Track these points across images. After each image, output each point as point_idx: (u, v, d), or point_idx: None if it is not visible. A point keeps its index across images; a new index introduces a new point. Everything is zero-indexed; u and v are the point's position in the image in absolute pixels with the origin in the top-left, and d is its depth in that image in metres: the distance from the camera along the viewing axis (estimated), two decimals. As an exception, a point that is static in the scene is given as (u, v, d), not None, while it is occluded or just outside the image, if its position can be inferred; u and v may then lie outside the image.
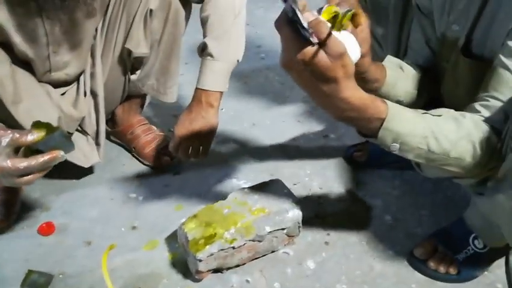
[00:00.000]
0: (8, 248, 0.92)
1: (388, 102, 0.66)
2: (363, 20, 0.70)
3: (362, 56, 0.69)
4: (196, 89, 1.00)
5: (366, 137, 0.70)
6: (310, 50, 0.57)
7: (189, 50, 1.64)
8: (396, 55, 0.94)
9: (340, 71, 0.59)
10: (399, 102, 0.84)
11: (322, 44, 0.57)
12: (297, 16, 0.56)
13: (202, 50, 0.98)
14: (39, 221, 0.98)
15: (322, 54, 0.57)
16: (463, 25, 0.78)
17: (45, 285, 0.84)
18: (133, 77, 1.07)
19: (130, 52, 0.99)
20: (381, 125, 0.65)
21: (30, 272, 0.86)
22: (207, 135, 1.01)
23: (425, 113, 0.70)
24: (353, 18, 0.68)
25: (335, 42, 0.57)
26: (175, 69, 1.08)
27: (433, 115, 0.70)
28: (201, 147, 1.02)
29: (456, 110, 0.75)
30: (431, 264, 0.89)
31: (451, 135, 0.68)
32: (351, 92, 0.61)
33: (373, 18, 0.96)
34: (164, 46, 1.02)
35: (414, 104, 0.90)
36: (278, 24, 0.58)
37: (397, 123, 0.66)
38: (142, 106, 1.20)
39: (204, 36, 0.98)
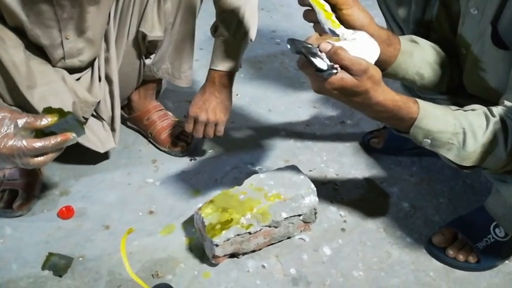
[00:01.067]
0: (28, 231, 0.94)
1: (419, 101, 0.70)
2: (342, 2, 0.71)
3: (350, 7, 0.71)
4: (210, 69, 1.00)
5: (399, 133, 0.74)
6: (335, 79, 0.63)
7: (204, 35, 1.63)
8: None
9: (368, 83, 0.64)
10: (419, 73, 0.84)
11: (344, 68, 0.62)
12: (311, 61, 0.63)
13: (215, 30, 0.98)
14: (59, 205, 0.99)
15: (347, 77, 0.63)
16: (482, 10, 0.75)
17: (65, 267, 0.86)
18: (147, 61, 1.07)
19: (144, 36, 0.99)
20: (413, 123, 0.69)
21: (50, 254, 0.88)
22: (220, 115, 1.02)
23: (457, 109, 0.72)
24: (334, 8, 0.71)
25: (356, 62, 0.63)
26: (190, 52, 1.07)
27: (465, 110, 0.72)
28: (216, 127, 1.03)
29: (481, 97, 0.74)
30: (450, 252, 0.88)
31: (480, 131, 0.70)
32: (383, 97, 0.66)
33: (395, 0, 0.93)
34: (178, 29, 1.01)
35: (437, 84, 0.88)
36: (300, 66, 0.65)
37: (427, 121, 0.69)
38: (158, 92, 1.20)
39: (217, 15, 0.97)
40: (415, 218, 0.99)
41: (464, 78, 0.85)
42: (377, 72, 0.65)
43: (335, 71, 0.63)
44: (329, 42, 0.64)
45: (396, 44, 0.80)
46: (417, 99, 0.70)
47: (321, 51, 0.64)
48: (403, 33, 0.99)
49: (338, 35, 0.70)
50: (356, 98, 0.66)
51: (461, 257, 0.87)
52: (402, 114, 0.69)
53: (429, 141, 0.71)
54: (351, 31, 0.70)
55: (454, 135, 0.70)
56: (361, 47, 0.67)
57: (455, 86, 0.90)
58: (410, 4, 0.92)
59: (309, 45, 0.64)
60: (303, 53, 0.63)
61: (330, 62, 0.63)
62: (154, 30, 0.98)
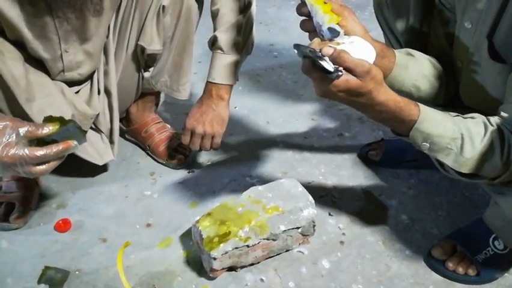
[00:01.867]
0: (24, 244, 0.93)
1: (420, 105, 0.71)
2: None
3: (344, 18, 0.73)
4: (207, 82, 1.01)
5: (399, 136, 0.74)
6: (341, 81, 0.64)
7: (202, 49, 1.64)
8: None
9: (371, 83, 0.66)
10: (416, 86, 0.85)
11: (348, 70, 0.64)
12: (319, 63, 0.64)
13: (213, 44, 0.99)
14: (56, 217, 0.98)
15: (352, 78, 0.65)
16: (476, 24, 0.76)
17: (61, 281, 0.85)
18: (146, 74, 1.07)
19: (143, 49, 1.00)
20: (413, 125, 0.70)
21: (46, 268, 0.87)
22: (217, 127, 1.02)
23: (457, 115, 0.73)
24: None
25: (359, 64, 0.64)
26: (188, 65, 1.08)
27: (465, 117, 0.73)
28: (213, 139, 1.03)
29: (478, 110, 0.75)
30: (450, 265, 0.87)
31: (478, 138, 0.71)
32: (385, 97, 0.68)
33: (393, 13, 0.94)
34: (177, 42, 1.02)
35: (434, 96, 0.88)
36: (305, 70, 0.66)
37: (427, 125, 0.70)
38: (156, 105, 1.20)
39: (215, 29, 0.99)
40: (414, 231, 0.99)
41: (461, 90, 0.86)
42: (379, 73, 0.66)
43: (340, 73, 0.64)
44: (330, 46, 0.65)
45: (390, 57, 0.81)
46: (419, 103, 0.71)
47: (324, 56, 0.65)
48: (401, 46, 1.00)
49: (338, 32, 0.71)
50: (360, 99, 0.67)
51: (460, 270, 0.87)
52: (403, 115, 0.70)
53: (427, 145, 0.71)
54: (346, 36, 0.72)
55: (453, 141, 0.70)
56: (359, 49, 0.68)
57: (452, 98, 0.91)
58: (408, 17, 0.93)
59: (314, 50, 0.65)
60: (310, 56, 0.64)
61: (334, 64, 0.64)
62: (153, 44, 0.99)
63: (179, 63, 1.06)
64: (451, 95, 0.90)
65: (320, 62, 0.63)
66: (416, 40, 0.94)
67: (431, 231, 0.98)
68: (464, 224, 0.94)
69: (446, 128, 0.71)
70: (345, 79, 0.64)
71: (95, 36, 0.92)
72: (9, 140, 0.68)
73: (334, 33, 0.71)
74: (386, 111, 0.69)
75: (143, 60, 1.03)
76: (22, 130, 0.69)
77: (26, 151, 0.68)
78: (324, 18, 0.71)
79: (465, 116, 0.73)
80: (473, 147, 0.70)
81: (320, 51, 0.65)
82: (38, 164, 0.70)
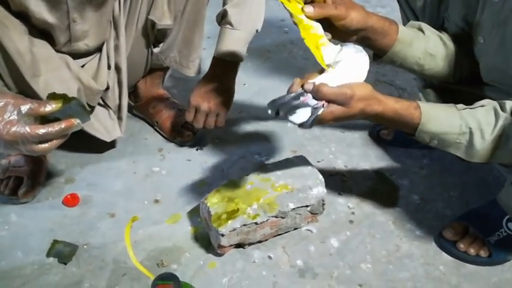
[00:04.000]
0: (33, 218, 0.93)
1: (422, 106, 0.71)
2: None
3: (344, 18, 0.72)
4: (214, 57, 0.98)
5: (407, 135, 0.75)
6: (326, 114, 0.67)
7: (212, 24, 1.60)
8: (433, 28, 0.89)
9: (359, 104, 0.68)
10: (419, 64, 0.83)
11: (331, 102, 0.66)
12: (289, 120, 0.67)
13: (222, 18, 0.96)
14: (64, 192, 0.99)
15: (336, 108, 0.67)
16: None
17: (70, 255, 0.86)
18: (155, 50, 1.05)
19: (153, 24, 0.97)
20: (417, 127, 0.71)
21: (55, 241, 0.87)
22: (222, 105, 0.99)
23: (464, 108, 0.72)
24: None
25: (339, 94, 0.66)
26: (198, 41, 1.05)
27: (474, 107, 0.72)
28: (217, 117, 1.00)
29: (499, 87, 0.72)
30: (461, 246, 0.86)
31: (489, 129, 0.70)
32: (382, 108, 0.69)
33: None
34: (187, 18, 0.99)
35: (444, 75, 0.86)
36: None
37: (431, 125, 0.71)
38: (163, 78, 1.18)
39: (224, 3, 0.96)
40: (425, 211, 0.97)
41: (482, 67, 0.83)
42: (365, 90, 0.68)
43: (322, 109, 0.66)
44: (308, 82, 0.67)
45: (393, 34, 0.80)
46: (420, 103, 0.72)
47: (306, 92, 0.67)
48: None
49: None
50: (355, 118, 0.70)
51: (472, 251, 0.86)
52: (404, 120, 0.71)
53: (436, 141, 0.73)
54: (337, 47, 0.72)
55: (461, 135, 0.71)
56: (347, 69, 0.69)
57: (466, 75, 0.87)
58: None
59: (290, 98, 0.67)
60: (280, 113, 0.67)
61: (317, 99, 0.67)
62: (163, 19, 0.96)
63: (190, 38, 1.03)
64: (464, 74, 0.87)
65: (289, 117, 0.66)
66: (435, 17, 0.91)
67: (443, 212, 0.97)
68: (477, 205, 0.92)
69: (452, 124, 0.71)
70: (329, 111, 0.67)
71: (103, 5, 0.89)
72: (10, 118, 0.67)
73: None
74: (386, 119, 0.71)
75: (153, 35, 1.01)
76: (24, 108, 0.68)
77: (27, 129, 0.67)
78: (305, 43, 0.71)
79: (474, 105, 0.72)
80: (483, 138, 0.70)
81: (303, 89, 0.67)
82: (41, 142, 0.69)
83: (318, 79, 0.68)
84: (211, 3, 1.06)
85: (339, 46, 0.73)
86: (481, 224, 0.87)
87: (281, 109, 0.66)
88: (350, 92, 0.66)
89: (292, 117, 0.66)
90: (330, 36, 0.73)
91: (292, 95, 0.67)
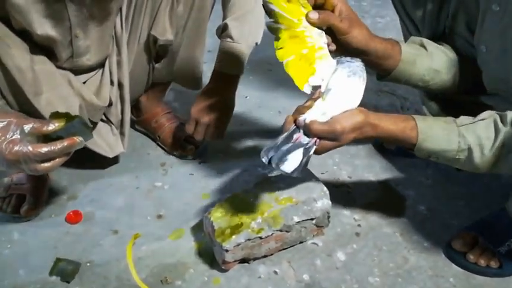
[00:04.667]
0: (36, 236, 0.92)
1: (419, 124, 0.72)
2: (334, 0, 0.72)
3: (345, 33, 0.72)
4: (214, 70, 0.98)
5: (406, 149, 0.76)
6: (320, 149, 0.69)
7: (212, 37, 1.61)
8: (433, 39, 0.89)
9: (351, 135, 0.69)
10: (423, 80, 0.83)
11: (320, 138, 0.68)
12: (281, 171, 0.67)
13: (222, 31, 0.96)
14: (67, 209, 0.98)
15: (328, 143, 0.69)
16: (505, 7, 0.72)
17: (73, 273, 0.84)
18: (157, 65, 1.05)
19: (155, 39, 0.98)
20: (415, 146, 0.72)
21: (58, 259, 0.86)
22: (222, 117, 0.99)
23: (463, 124, 0.72)
24: (326, 3, 0.72)
25: (329, 131, 0.67)
26: (200, 56, 1.06)
27: (474, 121, 0.72)
28: (217, 130, 1.01)
29: (504, 97, 0.72)
30: (471, 257, 0.84)
31: (488, 143, 0.70)
32: (376, 132, 0.71)
33: (411, 0, 0.91)
34: (189, 33, 1.00)
35: (448, 87, 0.85)
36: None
37: (428, 144, 0.71)
38: (165, 93, 1.18)
39: (225, 17, 0.96)
40: (432, 222, 0.95)
41: (484, 76, 0.82)
42: (357, 119, 0.69)
43: (314, 147, 0.68)
44: (299, 120, 0.68)
45: (396, 56, 0.80)
46: (418, 121, 0.72)
47: (299, 127, 0.69)
48: (419, 32, 0.96)
49: (317, 87, 0.72)
50: (350, 143, 0.71)
51: (482, 262, 0.84)
52: (401, 140, 0.72)
53: (435, 158, 0.73)
54: (333, 63, 0.71)
55: (460, 152, 0.71)
56: (338, 98, 0.69)
57: (470, 86, 0.87)
58: (426, 3, 0.89)
59: (283, 139, 0.68)
60: (272, 164, 0.67)
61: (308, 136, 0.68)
62: (165, 34, 0.97)
63: (191, 53, 1.04)
64: (468, 84, 0.86)
65: (280, 167, 0.67)
66: (435, 27, 0.91)
67: (451, 222, 0.95)
68: (485, 214, 0.91)
69: (450, 142, 0.71)
70: (322, 146, 0.69)
71: (105, 21, 0.90)
72: (13, 137, 0.67)
73: (313, 89, 0.72)
74: (383, 139, 0.74)
75: (155, 50, 1.01)
76: (27, 127, 0.68)
77: (30, 148, 0.67)
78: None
79: (474, 120, 0.72)
80: (483, 153, 0.70)
81: (295, 125, 0.69)
82: (43, 161, 0.69)
83: (309, 114, 0.69)
84: (212, 17, 1.07)
85: (335, 62, 0.72)
86: (490, 234, 0.85)
87: (273, 160, 0.67)
88: (339, 128, 0.67)
89: (283, 167, 0.67)
90: (330, 40, 0.72)
91: (285, 135, 0.69)
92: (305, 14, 0.70)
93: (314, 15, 0.69)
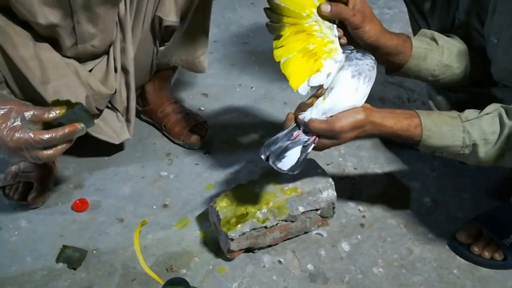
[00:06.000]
0: (43, 223, 0.93)
1: (423, 121, 0.71)
2: None
3: (357, 28, 0.71)
4: None
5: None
6: (319, 145, 0.70)
7: (218, 28, 1.61)
8: (443, 30, 0.88)
9: (351, 134, 0.69)
10: (434, 75, 0.83)
11: (319, 136, 0.69)
12: (278, 168, 0.69)
13: None
14: (73, 197, 0.98)
15: (327, 141, 0.70)
16: None
17: (79, 260, 0.85)
18: (161, 48, 1.05)
19: (160, 21, 0.97)
20: (419, 143, 0.72)
21: (65, 247, 0.87)
22: None
23: (468, 120, 0.72)
24: None
25: (327, 130, 0.68)
26: (204, 39, 1.05)
27: (479, 116, 0.71)
28: None
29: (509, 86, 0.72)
30: (475, 249, 0.84)
31: (493, 137, 0.70)
32: (379, 131, 0.70)
33: None
34: (193, 15, 0.99)
35: (458, 80, 0.85)
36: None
37: (433, 140, 0.71)
38: (170, 81, 1.18)
39: None
40: (437, 214, 0.95)
41: (493, 67, 0.82)
42: (358, 118, 0.68)
43: (312, 145, 0.70)
44: (299, 119, 0.69)
45: (407, 51, 0.79)
46: (422, 118, 0.71)
47: (300, 125, 0.70)
48: (428, 25, 0.95)
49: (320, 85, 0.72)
50: (355, 138, 0.71)
51: (486, 254, 0.84)
52: (405, 138, 0.72)
53: (440, 153, 0.74)
54: (341, 57, 0.71)
55: (465, 148, 0.71)
56: (339, 98, 0.69)
57: (479, 76, 0.86)
58: None
59: (282, 136, 0.70)
60: (269, 161, 0.69)
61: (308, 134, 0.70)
62: (170, 15, 0.96)
63: (195, 36, 1.03)
64: (477, 75, 0.86)
65: (277, 164, 0.69)
66: (445, 18, 0.90)
67: (455, 214, 0.95)
68: (490, 207, 0.91)
69: (454, 138, 0.71)
70: (321, 143, 0.70)
71: (109, 6, 0.89)
72: (14, 124, 0.66)
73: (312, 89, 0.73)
74: (387, 136, 0.73)
75: (159, 33, 1.01)
76: (28, 114, 0.67)
77: (31, 134, 0.66)
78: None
79: (480, 114, 0.72)
80: (488, 148, 0.70)
81: (296, 122, 0.70)
82: (45, 148, 0.69)
83: (309, 112, 0.69)
84: (217, 8, 1.06)
85: (344, 56, 0.71)
86: (495, 227, 0.85)
87: (271, 157, 0.68)
88: (338, 127, 0.67)
89: (280, 164, 0.69)
90: (342, 33, 0.72)
91: (285, 132, 0.70)
92: (317, 7, 0.69)
93: (326, 8, 0.69)
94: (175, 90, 1.29)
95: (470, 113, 0.73)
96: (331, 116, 0.69)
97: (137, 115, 1.16)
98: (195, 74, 1.32)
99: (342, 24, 0.72)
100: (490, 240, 0.85)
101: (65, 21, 0.86)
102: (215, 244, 0.88)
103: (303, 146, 0.69)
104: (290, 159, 0.69)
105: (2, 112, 0.67)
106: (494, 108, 0.72)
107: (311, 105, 0.70)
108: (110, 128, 1.00)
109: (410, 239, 0.90)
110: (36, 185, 0.96)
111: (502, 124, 0.69)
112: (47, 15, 0.83)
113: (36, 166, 0.99)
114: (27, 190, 0.96)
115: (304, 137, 0.70)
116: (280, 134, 0.70)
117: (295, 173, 0.70)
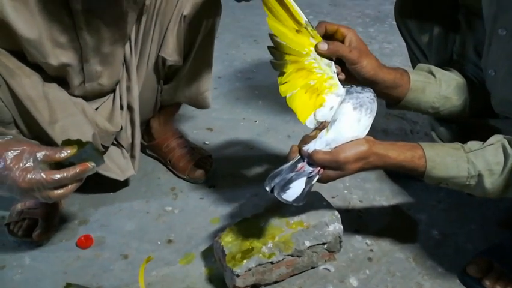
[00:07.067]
0: (47, 260, 0.92)
1: (427, 152, 0.71)
2: (344, 30, 0.73)
3: (355, 63, 0.73)
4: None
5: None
6: (323, 178, 0.70)
7: (221, 64, 1.65)
8: (441, 64, 0.90)
9: (356, 165, 0.69)
10: (434, 107, 0.83)
11: (324, 167, 0.69)
12: (284, 200, 0.69)
13: None
14: (78, 234, 0.98)
15: (331, 173, 0.70)
16: (511, 31, 0.73)
17: (83, 298, 0.84)
18: (165, 86, 1.07)
19: (164, 61, 1.00)
20: (424, 175, 0.72)
21: (68, 285, 0.86)
22: None
23: (471, 151, 0.72)
24: (336, 33, 0.74)
25: (331, 161, 0.68)
26: (208, 76, 1.07)
27: (482, 147, 0.72)
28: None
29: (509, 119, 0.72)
30: (487, 283, 0.82)
31: (498, 168, 0.70)
32: (383, 162, 0.70)
33: (417, 25, 0.92)
34: (197, 53, 1.02)
35: (458, 112, 0.86)
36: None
37: (438, 171, 0.71)
38: (175, 116, 1.20)
39: None
40: (446, 247, 0.94)
41: (493, 99, 0.83)
42: (362, 149, 0.69)
43: (317, 177, 0.70)
44: (303, 150, 0.70)
45: (405, 84, 0.81)
46: (426, 149, 0.72)
47: (304, 158, 0.70)
48: (425, 57, 0.97)
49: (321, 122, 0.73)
50: (357, 172, 0.71)
51: (499, 288, 0.82)
52: (409, 169, 0.72)
53: (445, 184, 0.73)
54: (342, 91, 0.72)
55: (470, 178, 0.71)
56: (342, 130, 0.70)
57: (480, 108, 0.87)
58: (433, 28, 0.91)
59: (287, 168, 0.70)
60: (274, 193, 0.69)
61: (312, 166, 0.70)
62: (173, 55, 0.99)
63: (199, 73, 1.05)
64: (478, 107, 0.87)
65: (282, 195, 0.69)
66: (442, 52, 0.92)
67: (465, 246, 0.93)
68: (500, 238, 0.89)
69: (459, 168, 0.71)
70: (326, 175, 0.70)
71: (116, 45, 0.92)
72: (26, 165, 0.67)
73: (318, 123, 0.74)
74: (391, 168, 0.73)
75: (163, 72, 1.03)
76: (40, 154, 0.68)
77: (43, 175, 0.67)
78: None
79: (483, 145, 0.72)
80: (494, 179, 0.70)
81: (300, 155, 0.71)
82: (56, 188, 0.69)
83: (313, 144, 0.70)
84: (221, 46, 1.10)
85: (344, 90, 0.73)
86: (505, 260, 0.83)
87: (275, 188, 0.69)
88: (343, 158, 0.68)
89: (285, 196, 0.69)
90: (339, 69, 0.74)
91: (289, 164, 0.70)
92: (314, 45, 0.72)
93: (323, 46, 0.71)
94: (180, 125, 1.30)
95: (473, 144, 0.73)
96: (335, 147, 0.69)
97: (143, 150, 1.17)
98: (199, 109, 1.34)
99: (340, 61, 0.74)
100: (502, 274, 0.83)
101: (75, 61, 0.89)
102: (220, 280, 0.87)
103: (308, 178, 0.69)
104: (295, 190, 0.69)
105: (15, 153, 0.68)
106: (497, 139, 0.72)
107: (315, 137, 0.71)
108: (115, 164, 1.01)
109: (419, 273, 0.88)
110: (41, 221, 0.96)
111: (506, 155, 0.70)
112: (59, 57, 0.86)
113: (41, 203, 0.99)
114: (32, 227, 0.95)
115: (308, 169, 0.70)
116: (284, 166, 0.71)
117: (300, 204, 0.70)
